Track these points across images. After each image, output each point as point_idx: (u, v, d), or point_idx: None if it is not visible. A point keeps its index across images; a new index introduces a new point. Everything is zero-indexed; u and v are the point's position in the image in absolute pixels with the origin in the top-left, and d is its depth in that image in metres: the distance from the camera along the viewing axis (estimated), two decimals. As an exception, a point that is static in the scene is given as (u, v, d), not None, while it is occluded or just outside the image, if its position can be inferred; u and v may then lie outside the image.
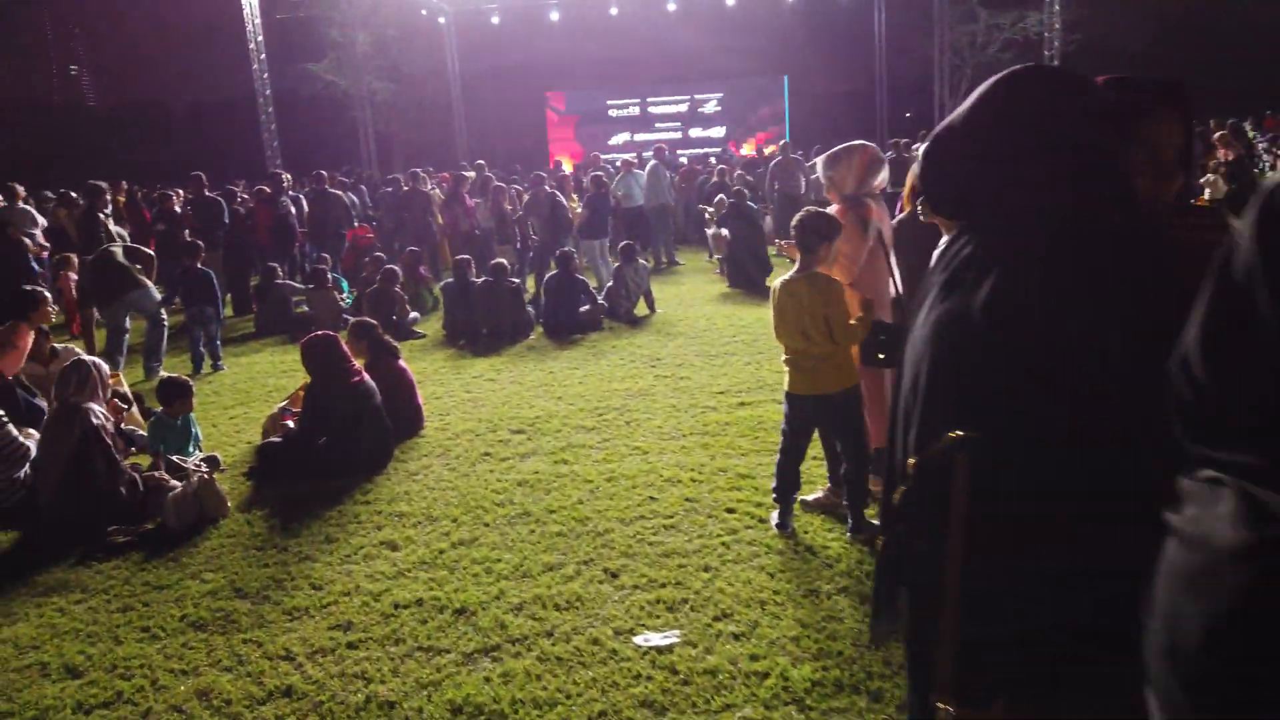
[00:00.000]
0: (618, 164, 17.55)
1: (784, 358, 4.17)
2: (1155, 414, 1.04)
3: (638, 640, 3.42)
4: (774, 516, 4.35)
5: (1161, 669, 0.93)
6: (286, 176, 13.85)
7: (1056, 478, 1.32)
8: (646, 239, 14.09)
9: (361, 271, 11.87)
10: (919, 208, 4.15)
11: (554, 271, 10.37)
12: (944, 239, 1.69)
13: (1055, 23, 23.36)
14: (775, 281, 4.18)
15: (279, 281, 11.15)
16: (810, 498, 4.50)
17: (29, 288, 6.93)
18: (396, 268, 10.87)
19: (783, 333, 4.12)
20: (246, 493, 5.38)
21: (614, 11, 27.34)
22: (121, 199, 16.35)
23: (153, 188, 20.64)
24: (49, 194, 16.65)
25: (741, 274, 11.90)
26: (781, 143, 14.10)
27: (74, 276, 10.32)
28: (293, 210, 13.18)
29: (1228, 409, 0.90)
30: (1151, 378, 1.07)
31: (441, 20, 29.11)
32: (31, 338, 6.25)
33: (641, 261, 10.89)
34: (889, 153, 16.21)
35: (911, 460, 1.40)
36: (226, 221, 12.31)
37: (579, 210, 13.37)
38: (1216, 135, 14.82)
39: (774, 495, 4.31)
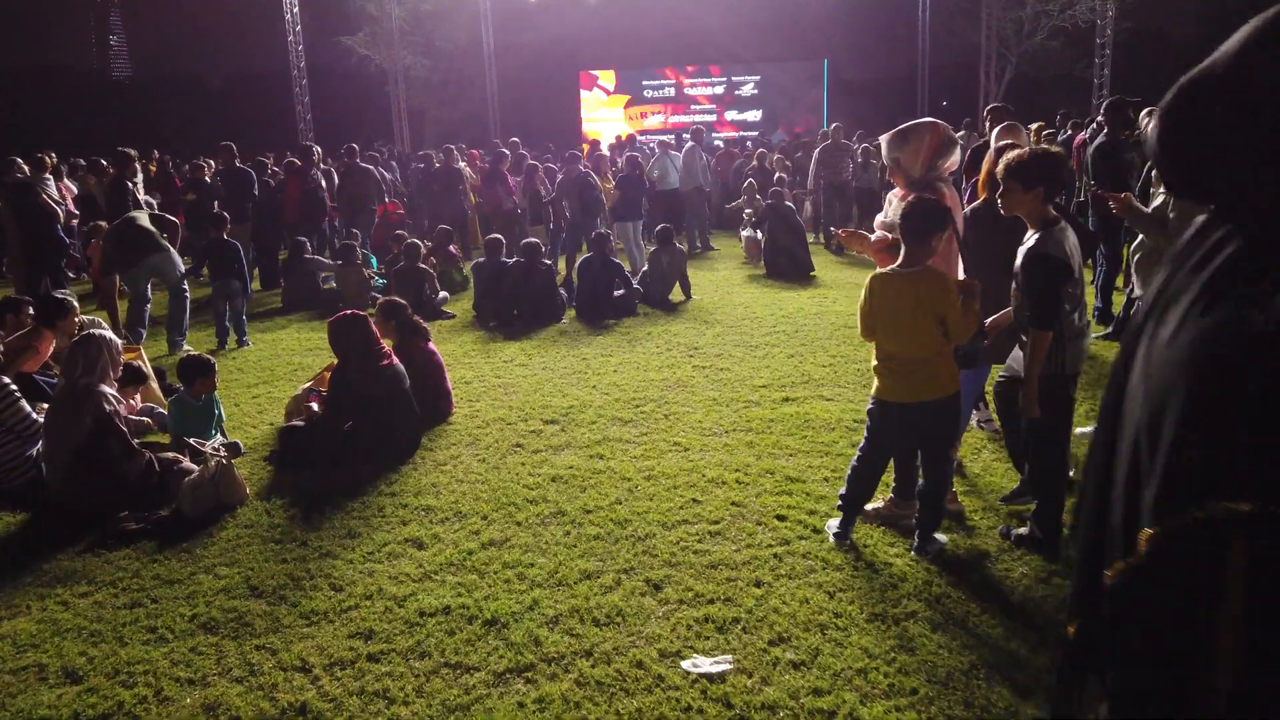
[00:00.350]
0: (654, 145, 17.13)
1: (876, 361, 3.75)
2: None
3: (686, 665, 3.11)
4: (832, 525, 4.00)
5: None
6: (317, 149, 13.57)
7: None
8: (680, 222, 13.72)
9: (391, 248, 11.61)
10: (999, 199, 3.79)
11: (588, 254, 10.04)
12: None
13: (1110, 9, 22.54)
14: (872, 276, 3.73)
15: (307, 256, 10.89)
16: (870, 507, 4.14)
17: (60, 295, 6.63)
18: (419, 241, 10.60)
19: (883, 333, 3.68)
20: (267, 479, 5.12)
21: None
22: (153, 168, 16.24)
23: (185, 159, 20.50)
24: (80, 161, 16.54)
25: (776, 269, 11.50)
26: (833, 126, 13.60)
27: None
28: (323, 184, 12.92)
29: None
30: None
31: (477, -5, 28.72)
32: (53, 344, 6.01)
33: (678, 245, 10.54)
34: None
35: (1147, 531, 1.04)
36: (255, 193, 12.05)
37: (613, 191, 13.01)
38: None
39: (840, 503, 3.94)
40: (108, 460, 4.66)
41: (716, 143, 23.98)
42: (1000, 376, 4.16)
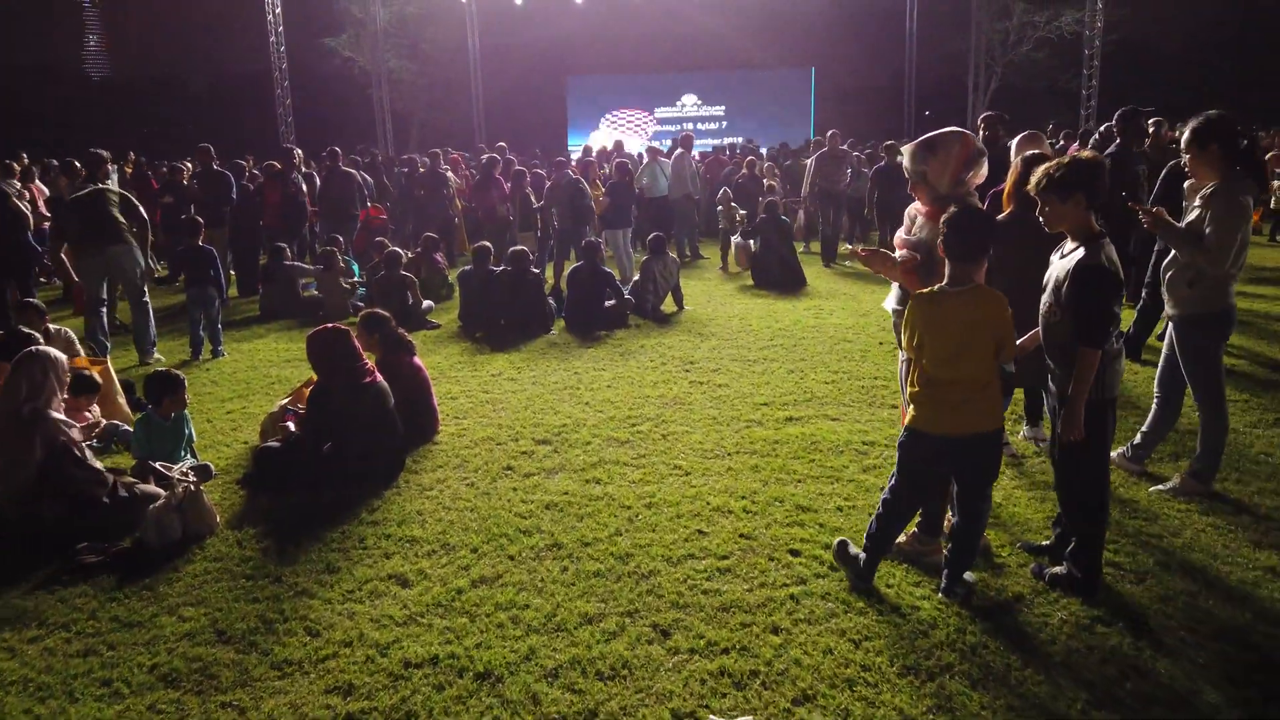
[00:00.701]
0: (642, 152, 16.84)
1: (917, 388, 3.39)
2: None
3: (702, 728, 2.80)
4: (854, 565, 3.67)
5: None
6: (298, 152, 13.20)
7: None
8: (670, 230, 13.41)
9: (373, 255, 11.26)
10: (1040, 216, 3.51)
11: (578, 263, 9.73)
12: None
13: (1098, 21, 22.45)
14: (917, 296, 3.40)
15: (287, 263, 10.52)
16: (889, 541, 3.84)
17: (25, 330, 6.09)
18: (400, 250, 10.26)
19: (930, 359, 3.31)
20: (239, 504, 4.77)
21: (640, -5, 26.57)
22: (129, 169, 15.79)
23: (165, 161, 20.05)
24: (53, 161, 16.08)
25: (768, 280, 11.22)
26: (830, 133, 13.32)
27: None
28: (303, 188, 12.55)
29: None
30: None
31: (464, -1, 28.36)
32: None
33: (671, 255, 10.25)
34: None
35: None
36: (233, 196, 11.65)
37: (602, 199, 12.70)
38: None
39: (865, 546, 3.60)
40: (70, 482, 4.31)
41: (704, 149, 23.74)
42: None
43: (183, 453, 5.27)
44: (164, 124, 44.58)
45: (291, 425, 5.37)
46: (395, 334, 5.91)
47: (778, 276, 11.16)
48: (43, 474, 4.18)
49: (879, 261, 3.82)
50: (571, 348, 8.24)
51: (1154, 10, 32.10)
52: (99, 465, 4.50)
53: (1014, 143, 5.39)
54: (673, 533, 4.21)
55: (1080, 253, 3.32)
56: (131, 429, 5.51)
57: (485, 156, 13.78)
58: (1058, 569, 3.60)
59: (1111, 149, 7.58)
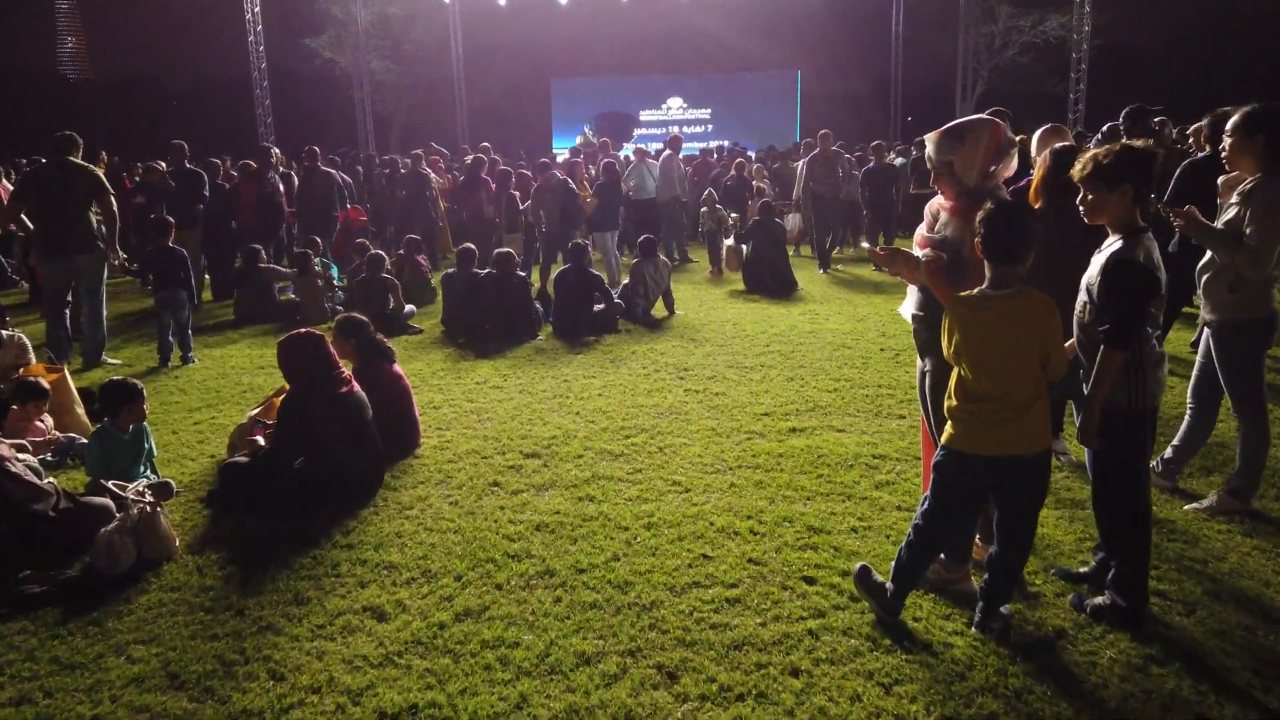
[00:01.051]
0: (629, 154, 16.50)
1: (957, 402, 3.05)
2: None
3: (718, 792, 2.46)
4: (879, 595, 3.32)
5: None
6: (276, 151, 12.78)
7: None
8: (658, 233, 13.09)
9: (353, 257, 10.87)
10: (1081, 206, 3.20)
11: (565, 266, 9.38)
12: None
13: (1086, 25, 22.32)
14: (955, 301, 3.06)
15: (263, 265, 10.11)
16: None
17: None
18: (382, 252, 9.89)
19: (974, 370, 2.97)
20: (201, 525, 4.39)
21: (624, -1, 26.28)
22: (102, 168, 15.30)
23: (137, 163, 19.55)
24: (23, 160, 15.58)
25: (759, 285, 10.90)
26: (820, 134, 13.00)
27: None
28: (280, 188, 12.13)
29: None
30: None
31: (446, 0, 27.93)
32: None
33: (662, 258, 9.92)
34: (914, 152, 15.24)
35: None
36: (206, 195, 11.20)
37: (590, 200, 12.36)
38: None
39: (893, 577, 3.26)
40: (7, 502, 3.93)
41: (693, 150, 23.44)
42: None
43: (142, 468, 4.88)
44: (142, 126, 43.88)
45: (260, 439, 4.99)
46: (373, 340, 5.54)
47: (768, 282, 10.85)
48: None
49: (899, 262, 3.47)
50: (560, 354, 7.89)
51: (1138, 14, 32.09)
52: (35, 479, 4.11)
53: (1035, 137, 5.11)
54: (675, 557, 3.87)
55: (1117, 245, 3.01)
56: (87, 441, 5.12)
57: (470, 157, 13.41)
58: (1099, 599, 3.28)
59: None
